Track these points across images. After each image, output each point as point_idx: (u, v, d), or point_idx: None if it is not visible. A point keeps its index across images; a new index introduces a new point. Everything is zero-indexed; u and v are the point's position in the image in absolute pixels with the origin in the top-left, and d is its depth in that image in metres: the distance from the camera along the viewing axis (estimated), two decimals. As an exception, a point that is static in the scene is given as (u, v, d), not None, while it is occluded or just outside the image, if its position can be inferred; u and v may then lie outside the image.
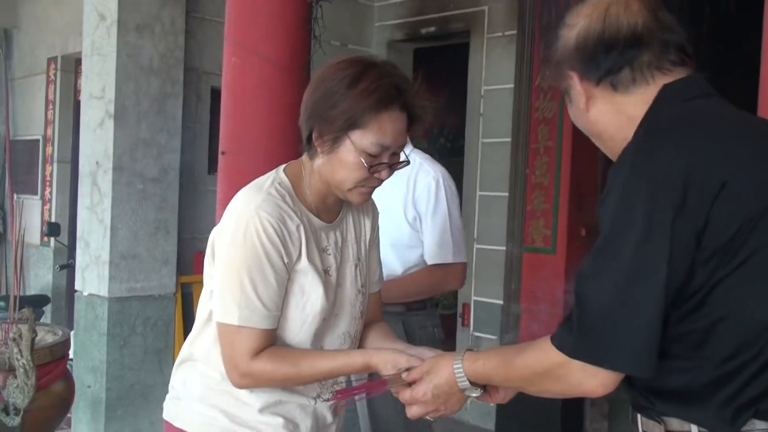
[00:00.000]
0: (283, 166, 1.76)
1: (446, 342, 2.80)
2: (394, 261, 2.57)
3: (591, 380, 1.20)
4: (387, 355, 1.63)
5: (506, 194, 4.79)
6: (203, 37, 4.70)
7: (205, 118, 4.78)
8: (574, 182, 4.53)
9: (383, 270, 2.54)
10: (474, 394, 1.50)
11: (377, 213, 1.93)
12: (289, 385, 1.69)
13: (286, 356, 1.64)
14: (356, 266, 1.80)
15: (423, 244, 2.59)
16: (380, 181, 1.70)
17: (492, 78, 4.95)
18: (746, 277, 1.15)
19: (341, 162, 1.63)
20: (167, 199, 4.52)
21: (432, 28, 5.32)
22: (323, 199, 1.73)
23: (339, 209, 1.79)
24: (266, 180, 1.71)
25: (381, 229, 2.56)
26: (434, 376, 1.50)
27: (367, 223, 1.88)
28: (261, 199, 1.63)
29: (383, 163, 1.64)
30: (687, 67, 1.32)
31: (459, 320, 5.12)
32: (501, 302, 4.78)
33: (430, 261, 2.59)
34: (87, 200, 4.50)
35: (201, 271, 5.01)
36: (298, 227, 1.65)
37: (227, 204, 3.53)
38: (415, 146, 2.77)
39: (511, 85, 4.78)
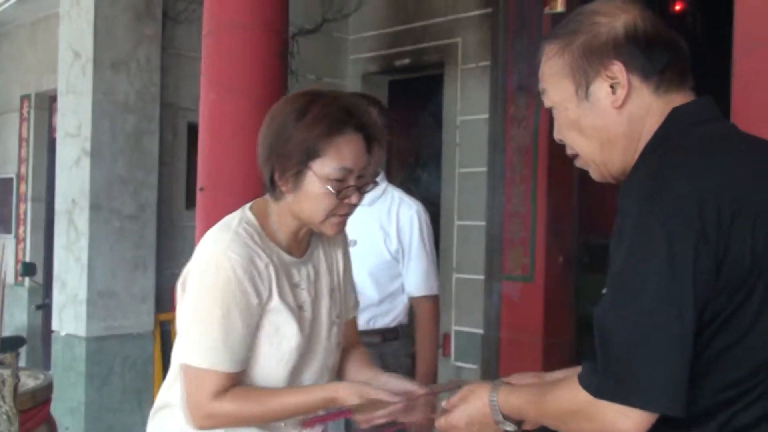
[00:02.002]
0: (249, 204, 1.74)
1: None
2: (371, 289, 2.62)
3: (623, 420, 1.14)
4: (351, 388, 1.62)
5: (484, 223, 4.82)
6: (179, 73, 4.71)
7: (182, 154, 4.78)
8: (550, 210, 4.56)
9: (359, 299, 2.59)
10: (509, 429, 1.45)
11: (347, 239, 1.92)
12: (254, 424, 1.66)
13: (250, 395, 1.62)
14: (331, 297, 1.79)
15: (406, 276, 2.65)
16: (352, 207, 1.67)
17: (467, 108, 5.00)
18: (754, 309, 1.14)
19: (308, 195, 1.62)
20: (145, 235, 4.50)
21: (406, 60, 5.37)
22: (294, 235, 1.71)
23: (309, 243, 1.77)
24: (233, 219, 1.68)
25: (359, 257, 2.61)
26: (470, 405, 1.46)
27: (338, 251, 1.86)
28: (229, 239, 1.61)
29: (351, 186, 1.63)
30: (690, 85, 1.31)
31: (440, 350, 5.11)
32: (481, 331, 4.78)
33: (416, 292, 2.66)
34: (63, 239, 4.46)
35: (180, 308, 4.93)
36: (267, 266, 1.63)
37: (206, 240, 3.51)
38: (390, 181, 2.83)
39: (486, 115, 4.83)
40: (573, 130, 1.34)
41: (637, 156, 1.28)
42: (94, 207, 4.31)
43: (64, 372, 4.34)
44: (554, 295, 4.58)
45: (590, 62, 1.28)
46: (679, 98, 1.28)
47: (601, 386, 1.16)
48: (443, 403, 1.55)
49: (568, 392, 1.24)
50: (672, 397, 1.11)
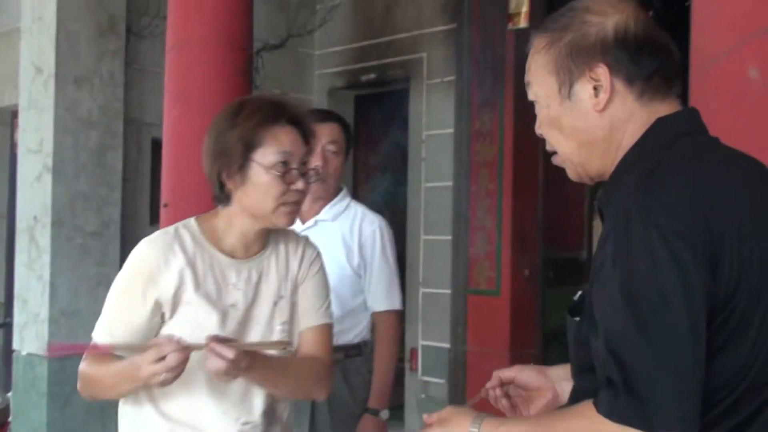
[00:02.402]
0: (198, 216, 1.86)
1: (394, 388, 2.81)
2: (334, 306, 2.60)
3: None
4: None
5: (450, 237, 4.83)
6: (143, 88, 4.67)
7: (146, 170, 4.74)
8: (515, 224, 4.59)
9: None
10: None
11: (311, 250, 1.94)
12: (99, 388, 1.77)
13: (98, 361, 1.75)
14: (276, 303, 1.83)
15: (368, 291, 2.64)
16: (301, 195, 1.76)
17: (432, 123, 5.02)
18: (731, 326, 1.12)
19: (256, 186, 1.72)
20: (108, 253, 4.45)
21: (372, 75, 5.39)
22: (243, 237, 1.80)
23: (261, 247, 1.84)
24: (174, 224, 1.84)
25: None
26: (448, 430, 1.34)
27: (295, 260, 1.89)
28: (154, 236, 1.80)
29: (294, 170, 1.73)
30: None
31: (407, 365, 5.11)
32: (448, 346, 4.78)
33: (379, 307, 2.64)
34: (24, 256, 4.40)
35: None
36: (188, 261, 1.74)
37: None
38: (357, 194, 2.83)
39: (452, 130, 4.86)
40: (553, 128, 1.30)
41: (617, 161, 1.25)
42: (57, 224, 4.25)
43: (26, 392, 4.26)
44: (520, 308, 4.60)
45: (576, 62, 1.24)
46: (664, 107, 1.24)
47: (626, 413, 1.08)
48: (425, 416, 1.49)
49: (585, 423, 1.14)
50: (693, 421, 1.07)
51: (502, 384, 1.53)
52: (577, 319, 1.25)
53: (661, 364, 1.07)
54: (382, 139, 5.93)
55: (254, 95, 1.82)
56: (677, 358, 1.07)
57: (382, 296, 2.63)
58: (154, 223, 4.46)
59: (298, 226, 2.67)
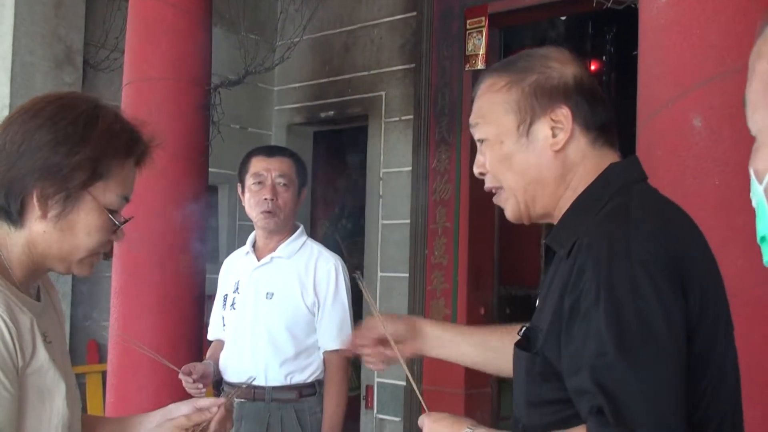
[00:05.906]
0: None
1: (349, 425, 2.79)
2: (288, 344, 2.58)
3: None
4: None
5: (407, 275, 4.85)
6: (99, 122, 4.63)
7: (101, 203, 4.67)
8: (471, 262, 4.63)
9: (277, 353, 2.55)
10: None
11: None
12: None
13: None
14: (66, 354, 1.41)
15: (319, 329, 2.61)
16: (112, 246, 1.37)
17: (390, 160, 5.06)
18: (692, 359, 1.16)
19: (76, 226, 1.27)
20: (59, 286, 4.37)
21: (331, 112, 5.42)
22: (30, 276, 1.31)
23: (36, 290, 1.37)
24: None
25: (275, 311, 2.58)
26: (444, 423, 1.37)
27: (57, 300, 1.46)
28: None
29: (123, 221, 1.32)
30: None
31: (363, 402, 5.08)
32: (404, 383, 4.77)
33: (329, 346, 2.60)
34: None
35: (95, 361, 4.79)
36: (32, 320, 1.26)
37: (123, 290, 3.44)
38: (314, 231, 2.81)
39: (409, 168, 4.90)
40: (504, 164, 1.34)
41: (566, 202, 1.31)
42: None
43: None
44: (475, 346, 4.61)
45: (540, 102, 1.30)
46: (611, 155, 1.32)
47: None
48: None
49: None
50: None
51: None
52: (530, 353, 1.25)
53: (649, 394, 1.09)
54: (340, 175, 5.95)
55: (107, 104, 1.33)
56: (664, 388, 1.10)
57: (333, 335, 2.60)
58: (107, 256, 4.38)
59: (253, 264, 2.67)
